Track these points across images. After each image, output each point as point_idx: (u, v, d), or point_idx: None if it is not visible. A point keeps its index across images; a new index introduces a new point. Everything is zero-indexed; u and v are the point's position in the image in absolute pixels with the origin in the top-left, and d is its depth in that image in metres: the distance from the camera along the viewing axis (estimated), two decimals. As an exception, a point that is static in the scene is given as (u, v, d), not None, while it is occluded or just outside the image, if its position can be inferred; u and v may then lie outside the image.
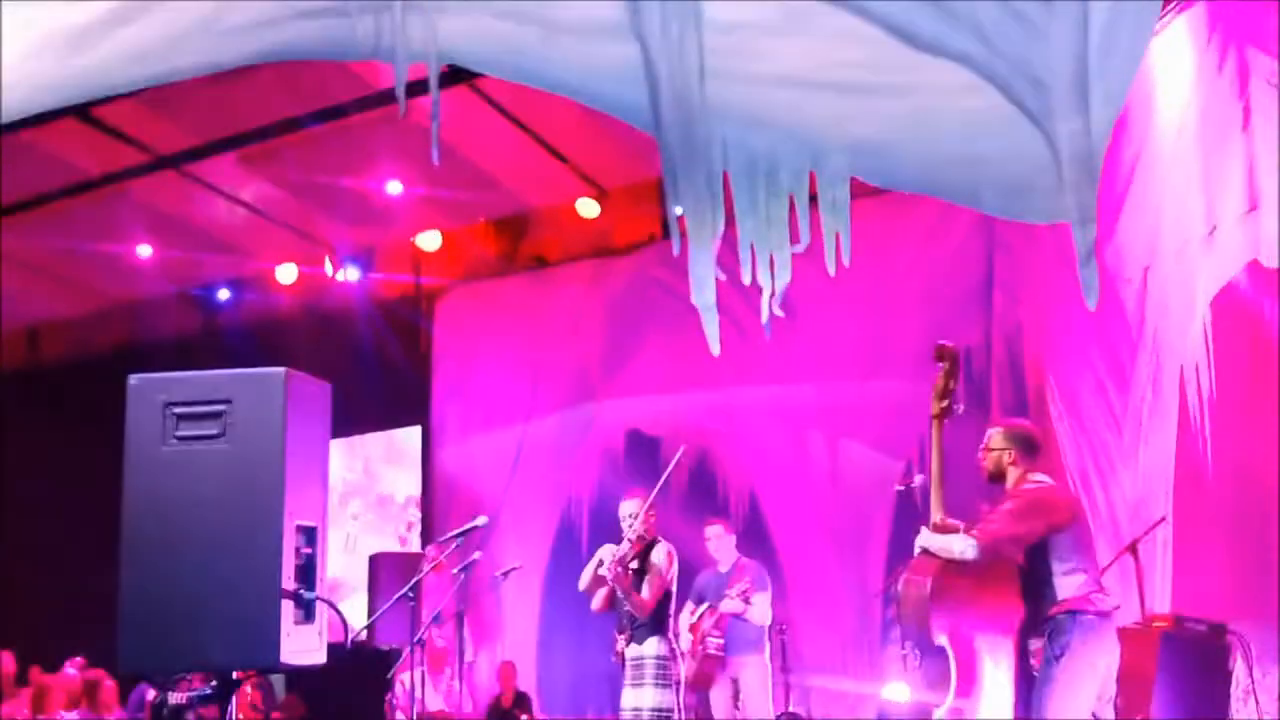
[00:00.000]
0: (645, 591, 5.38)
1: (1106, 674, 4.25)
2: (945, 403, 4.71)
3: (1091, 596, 4.24)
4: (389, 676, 8.38)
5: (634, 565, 5.56)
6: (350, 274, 11.39)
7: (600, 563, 5.44)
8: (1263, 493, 5.70)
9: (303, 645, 2.55)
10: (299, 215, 10.57)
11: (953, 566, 4.47)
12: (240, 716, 6.02)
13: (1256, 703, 4.95)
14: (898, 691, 7.40)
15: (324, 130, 9.03)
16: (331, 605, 2.66)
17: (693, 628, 6.86)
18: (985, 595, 4.54)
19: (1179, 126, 6.85)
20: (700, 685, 6.99)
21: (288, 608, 2.51)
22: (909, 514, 8.58)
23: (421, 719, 5.72)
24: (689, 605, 6.95)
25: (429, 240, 11.25)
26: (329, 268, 11.38)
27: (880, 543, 9.22)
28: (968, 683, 4.37)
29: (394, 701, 7.54)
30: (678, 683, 5.33)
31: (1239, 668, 5.14)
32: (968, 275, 9.43)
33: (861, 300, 9.17)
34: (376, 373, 10.85)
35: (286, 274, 11.51)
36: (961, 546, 4.30)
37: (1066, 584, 4.26)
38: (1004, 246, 9.31)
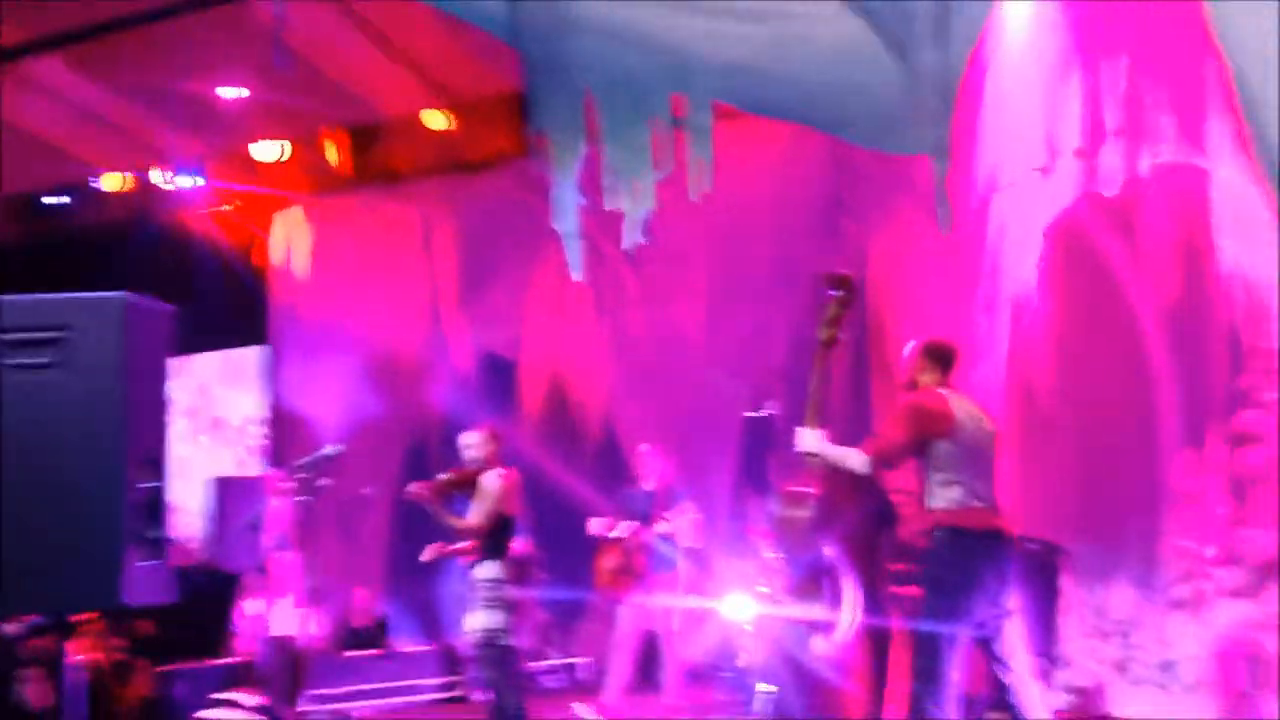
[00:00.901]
0: (470, 516, 5.36)
1: (981, 587, 4.19)
2: (835, 330, 4.66)
3: (965, 510, 4.22)
4: (232, 601, 8.19)
5: (468, 493, 5.53)
6: (185, 183, 10.81)
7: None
8: (1093, 417, 5.98)
9: (149, 583, 2.42)
10: (131, 120, 9.93)
11: (840, 478, 4.54)
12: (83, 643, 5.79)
13: (1080, 614, 5.26)
14: (738, 605, 7.64)
15: (158, 31, 8.47)
16: (179, 541, 2.53)
17: (614, 544, 6.99)
18: (860, 507, 4.67)
19: (1022, 58, 7.00)
20: (615, 596, 7.14)
21: (133, 545, 2.36)
22: (758, 440, 8.77)
23: (269, 644, 5.58)
24: (615, 522, 7.12)
25: (269, 150, 10.74)
26: (162, 176, 10.78)
27: (729, 466, 9.39)
28: (838, 594, 4.49)
29: (239, 628, 7.36)
30: (511, 605, 5.33)
31: (1067, 585, 5.43)
32: (817, 202, 9.55)
33: (713, 225, 9.19)
34: (211, 289, 10.39)
35: (116, 181, 10.86)
36: (858, 462, 4.31)
37: (942, 495, 4.26)
38: (851, 173, 9.45)
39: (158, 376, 2.54)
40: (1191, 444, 5.79)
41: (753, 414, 7.35)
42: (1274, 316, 5.27)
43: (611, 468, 9.69)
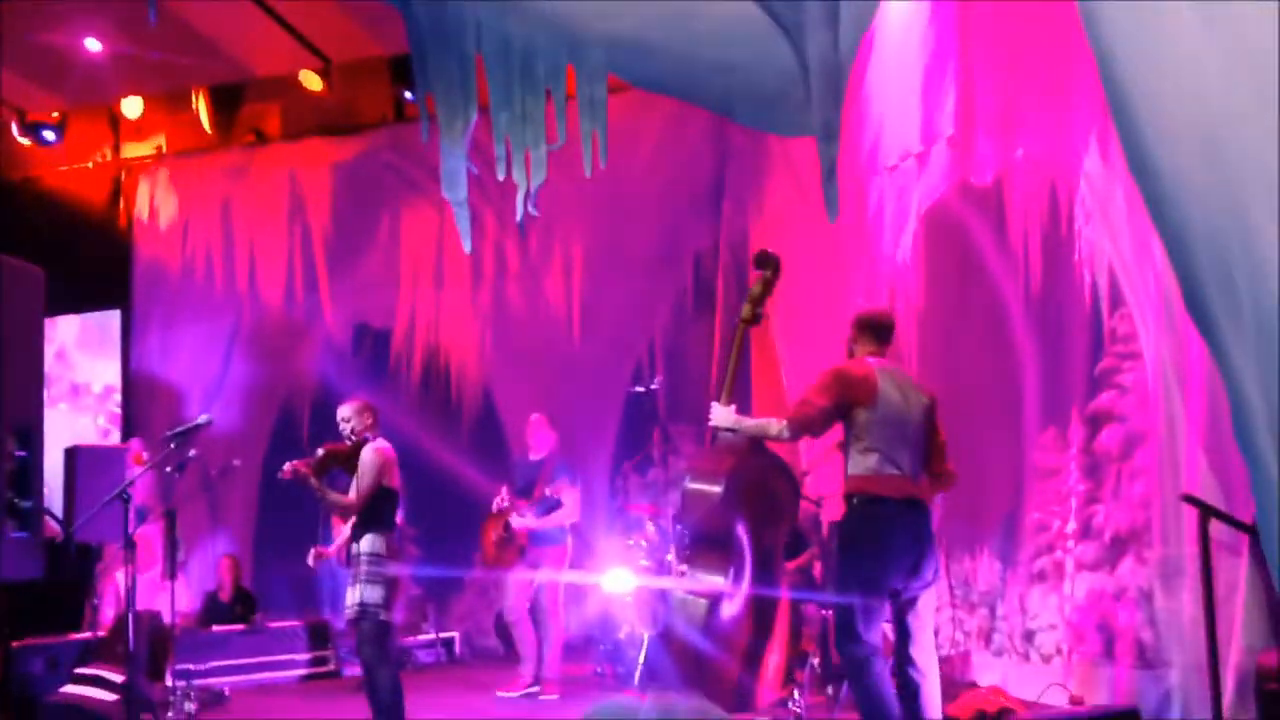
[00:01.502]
0: (351, 491, 5.28)
1: (895, 554, 4.19)
2: (758, 308, 4.64)
3: (880, 477, 4.22)
4: (92, 574, 7.91)
5: (346, 468, 5.43)
6: (42, 139, 10.30)
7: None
8: (960, 396, 6.16)
9: (18, 556, 2.30)
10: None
11: (749, 453, 4.55)
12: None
13: (950, 585, 5.46)
14: (619, 579, 7.70)
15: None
16: (49, 512, 2.41)
17: (499, 512, 6.93)
18: (770, 482, 4.67)
19: (902, 44, 7.16)
20: (494, 566, 7.16)
21: (3, 517, 2.24)
22: (638, 415, 8.83)
23: (133, 618, 5.39)
24: (502, 491, 7.04)
25: (132, 106, 10.30)
26: (16, 129, 10.24)
27: (609, 440, 9.43)
28: (742, 571, 4.52)
29: (97, 602, 7.10)
30: (391, 580, 5.27)
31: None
32: (700, 181, 9.63)
33: (599, 198, 9.18)
34: (69, 250, 9.91)
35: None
36: (777, 429, 4.28)
37: (859, 462, 4.26)
38: (735, 154, 9.55)
39: (30, 341, 2.41)
40: (1053, 423, 6.03)
41: (641, 389, 7.37)
42: (1131, 303, 5.51)
43: (488, 440, 9.65)
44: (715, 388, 9.15)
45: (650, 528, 7.62)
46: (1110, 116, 2.60)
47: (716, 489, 4.50)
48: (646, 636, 6.93)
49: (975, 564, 6.58)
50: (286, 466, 5.16)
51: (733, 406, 4.49)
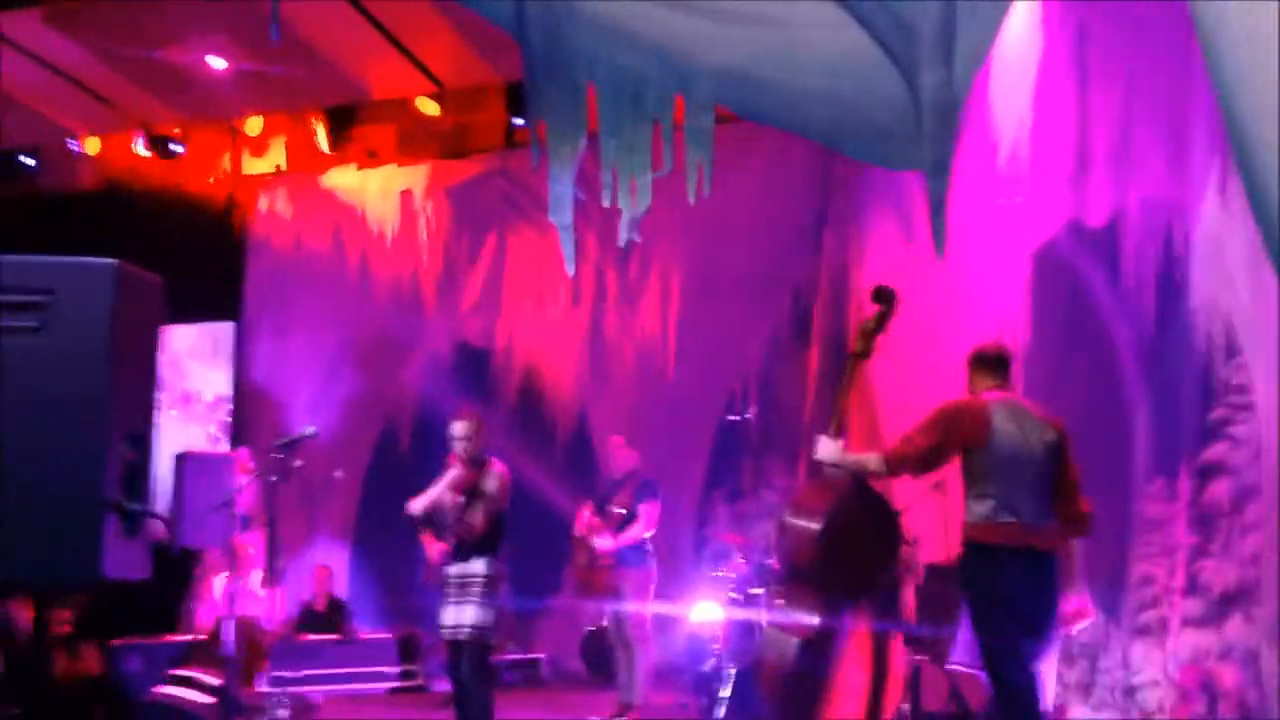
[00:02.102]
0: (478, 514, 5.33)
1: (1012, 605, 4.01)
2: (870, 344, 4.51)
3: (993, 525, 4.04)
4: (192, 579, 8.12)
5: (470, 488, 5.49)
6: (164, 151, 10.69)
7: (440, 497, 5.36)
8: (1069, 444, 6.02)
9: (125, 558, 2.37)
10: (111, 84, 9.80)
11: (854, 491, 4.42)
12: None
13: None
14: (706, 611, 7.65)
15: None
16: (157, 515, 2.48)
17: (582, 537, 6.94)
18: (872, 523, 4.51)
19: (1015, 82, 7.06)
20: (584, 593, 7.16)
21: (112, 518, 2.31)
22: (730, 444, 8.79)
23: (229, 623, 5.52)
24: (584, 514, 7.06)
25: (252, 124, 10.65)
26: (140, 144, 10.65)
27: (699, 469, 9.40)
28: (836, 609, 4.39)
29: (196, 605, 7.29)
30: (502, 604, 5.32)
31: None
32: (802, 211, 9.59)
33: (700, 226, 9.20)
34: (186, 260, 10.25)
35: (92, 146, 10.74)
36: (876, 464, 4.19)
37: (972, 508, 4.10)
38: (838, 185, 9.49)
39: (146, 349, 2.49)
40: (1161, 473, 5.84)
41: (735, 418, 7.31)
42: (1247, 352, 5.33)
43: (581, 462, 9.69)
44: (810, 419, 9.07)
45: (739, 559, 7.56)
46: (1231, 159, 2.51)
47: (815, 525, 4.38)
48: (733, 671, 6.86)
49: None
50: (442, 488, 5.21)
51: (840, 442, 4.37)
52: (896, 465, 4.20)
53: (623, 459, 7.17)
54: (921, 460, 4.18)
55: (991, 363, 4.35)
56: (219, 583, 7.70)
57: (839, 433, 4.42)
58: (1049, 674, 4.21)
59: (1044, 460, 4.12)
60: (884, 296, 4.56)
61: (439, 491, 5.30)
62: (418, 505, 5.32)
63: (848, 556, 4.42)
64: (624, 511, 6.78)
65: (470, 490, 5.37)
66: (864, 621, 4.46)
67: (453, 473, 5.39)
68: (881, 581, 4.81)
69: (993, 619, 4.07)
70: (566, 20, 3.77)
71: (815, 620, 4.34)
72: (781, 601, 4.48)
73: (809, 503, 4.52)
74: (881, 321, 4.52)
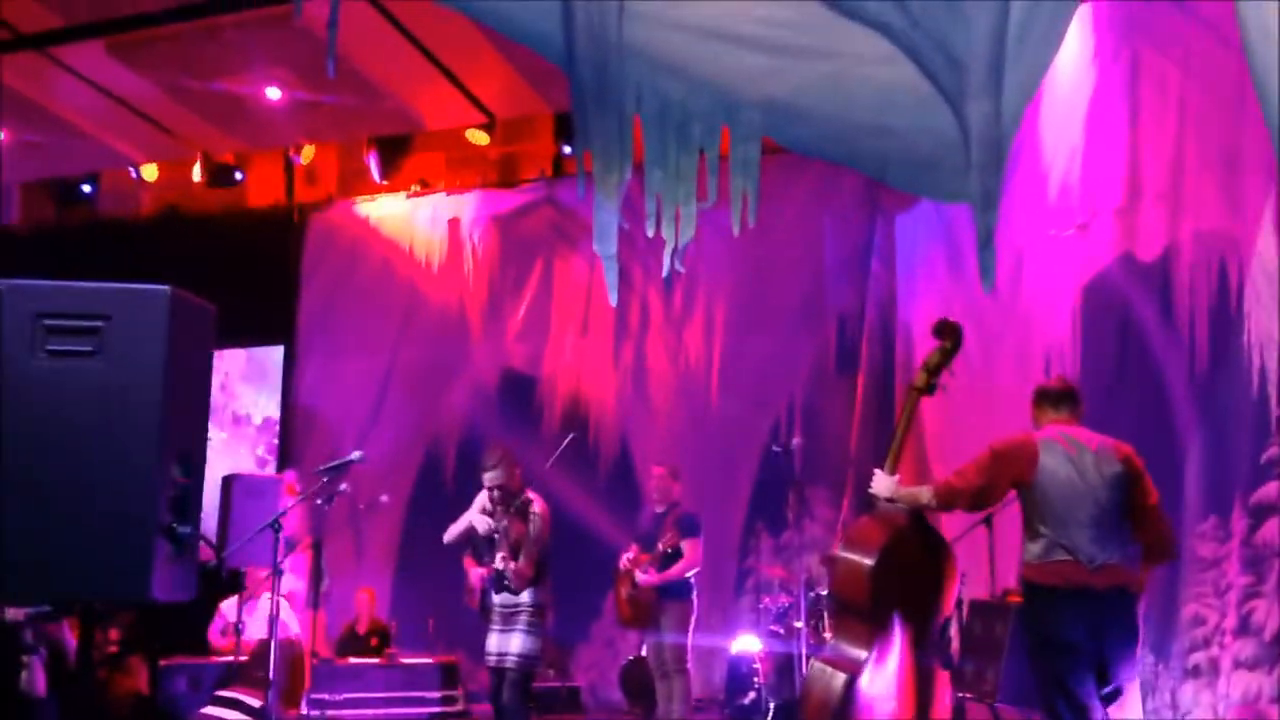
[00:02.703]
0: (523, 558, 5.35)
1: (1068, 648, 3.94)
2: (933, 379, 4.49)
3: (1046, 564, 3.99)
4: (234, 598, 8.18)
5: (503, 521, 5.51)
6: (221, 179, 10.89)
7: (472, 526, 5.40)
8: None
9: (174, 580, 2.41)
10: (169, 113, 10.01)
11: (910, 527, 4.39)
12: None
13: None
14: (748, 643, 7.60)
15: (201, 26, 8.56)
16: (204, 538, 2.52)
17: (626, 570, 6.91)
18: (926, 560, 4.44)
19: (1066, 114, 7.01)
20: (625, 623, 7.14)
21: (162, 540, 2.35)
22: (774, 475, 8.74)
23: (274, 645, 5.57)
24: (632, 548, 7.01)
25: (306, 151, 10.83)
26: (197, 171, 10.86)
27: (742, 499, 9.36)
28: (886, 646, 4.33)
29: (230, 625, 7.36)
30: (547, 633, 5.35)
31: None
32: (849, 241, 9.58)
33: (744, 256, 9.21)
34: (239, 285, 10.42)
35: (151, 173, 10.97)
36: (927, 497, 4.18)
37: (1028, 547, 4.08)
38: (885, 216, 9.47)
39: (198, 373, 2.54)
40: (1214, 512, 5.73)
41: (780, 449, 7.26)
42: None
43: (624, 490, 9.68)
44: (856, 451, 9.02)
45: (781, 591, 7.51)
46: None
47: (869, 561, 4.31)
48: (773, 704, 6.81)
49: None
50: (497, 559, 5.30)
51: (897, 477, 4.35)
52: (947, 499, 4.19)
53: (664, 490, 7.14)
54: (973, 497, 4.18)
55: (1053, 398, 4.33)
56: (265, 605, 7.76)
57: (894, 468, 4.38)
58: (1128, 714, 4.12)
59: (1106, 494, 4.03)
60: (948, 331, 4.52)
61: (469, 521, 5.34)
62: (450, 535, 5.38)
63: (900, 592, 4.36)
64: (669, 550, 6.75)
65: (517, 539, 5.39)
66: (911, 657, 4.40)
67: (480, 512, 5.42)
68: (933, 618, 4.73)
69: (1045, 661, 4.01)
70: (614, 52, 3.81)
71: (864, 655, 4.28)
72: (830, 635, 4.43)
73: (864, 537, 4.44)
74: (946, 357, 4.48)
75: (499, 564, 5.32)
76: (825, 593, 7.04)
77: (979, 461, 4.14)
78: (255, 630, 7.31)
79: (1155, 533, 4.13)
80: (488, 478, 5.51)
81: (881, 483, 4.34)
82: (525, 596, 5.31)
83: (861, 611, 4.34)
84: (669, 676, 6.92)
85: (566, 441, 6.73)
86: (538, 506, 5.45)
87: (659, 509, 7.12)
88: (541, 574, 5.39)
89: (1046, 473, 4.04)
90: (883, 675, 4.34)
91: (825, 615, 6.90)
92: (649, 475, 7.39)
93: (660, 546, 6.73)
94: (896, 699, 4.38)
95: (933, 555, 4.52)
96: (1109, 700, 4.02)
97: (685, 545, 6.79)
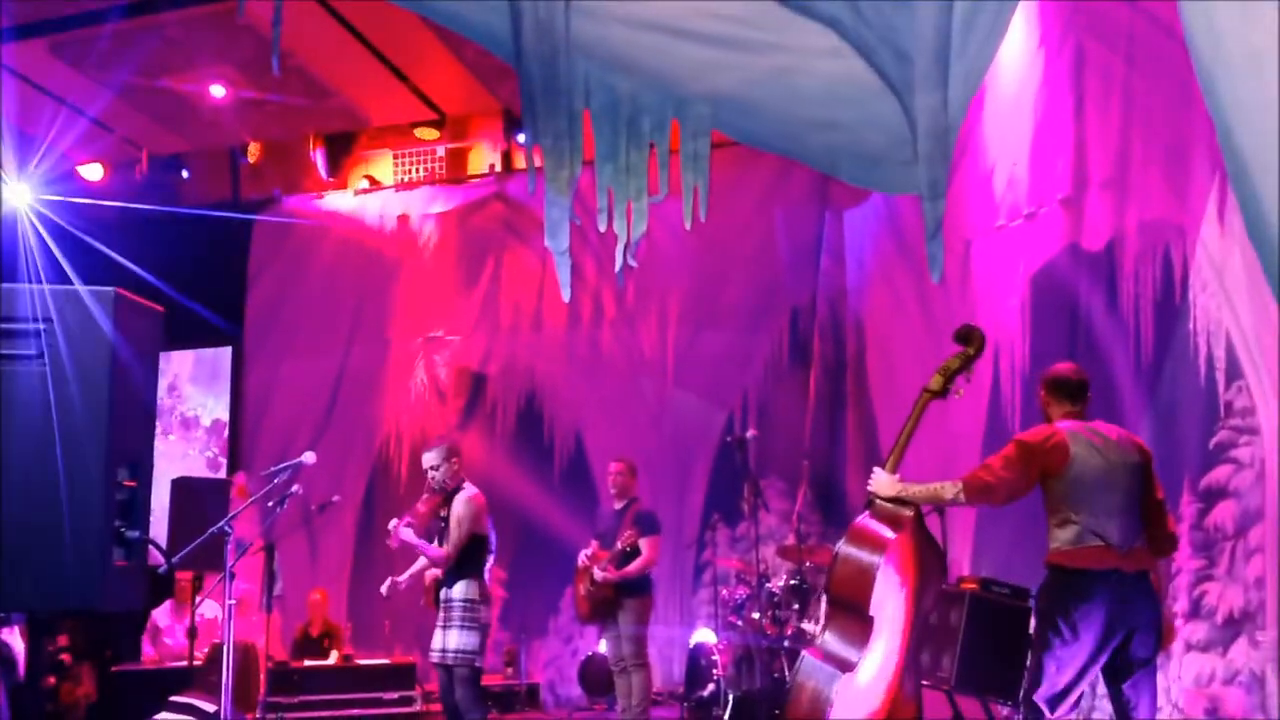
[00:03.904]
0: (447, 543, 5.32)
1: (1093, 629, 4.03)
2: (948, 382, 4.41)
3: (1078, 550, 4.06)
4: (165, 604, 8.09)
5: (442, 514, 5.48)
6: (165, 178, 10.73)
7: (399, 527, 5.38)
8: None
9: (124, 584, 2.35)
10: (111, 111, 9.85)
11: (912, 527, 4.33)
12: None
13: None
14: (705, 635, 7.61)
15: (144, 24, 8.42)
16: (153, 542, 2.46)
17: (584, 567, 6.87)
18: (925, 559, 4.40)
19: (1012, 106, 7.07)
20: (584, 619, 7.12)
21: (111, 547, 2.30)
22: (729, 468, 8.76)
23: (227, 649, 5.49)
24: (592, 545, 6.98)
25: (251, 149, 10.70)
26: (140, 170, 10.69)
27: (699, 491, 9.38)
28: (879, 651, 4.30)
29: (196, 631, 7.25)
30: (485, 626, 5.29)
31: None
32: (800, 235, 9.62)
33: (697, 251, 9.21)
34: (186, 286, 10.27)
35: (93, 172, 10.78)
36: (953, 493, 4.14)
37: (1058, 536, 4.12)
38: (834, 210, 9.52)
39: (145, 376, 2.49)
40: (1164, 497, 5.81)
41: (734, 439, 7.27)
42: (1249, 375, 5.31)
43: (579, 484, 9.67)
44: (810, 443, 9.06)
45: (738, 583, 7.52)
46: (1229, 182, 2.51)
47: (875, 559, 4.29)
48: (732, 697, 6.82)
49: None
50: (398, 527, 5.23)
51: (898, 476, 4.34)
52: (976, 495, 4.18)
53: (623, 485, 7.12)
54: (1008, 490, 4.18)
55: (1066, 387, 4.36)
56: (216, 608, 7.67)
57: (896, 467, 4.37)
58: (1150, 695, 4.20)
59: (1129, 484, 4.16)
60: (970, 338, 4.47)
61: (404, 523, 5.31)
62: (393, 539, 5.34)
63: (899, 591, 4.33)
64: (628, 548, 6.73)
65: (445, 516, 5.37)
66: (904, 656, 4.37)
67: (420, 508, 5.41)
68: (925, 617, 4.72)
69: (1059, 649, 4.08)
70: (563, 47, 3.78)
71: (860, 654, 4.24)
72: (827, 631, 4.38)
73: (868, 536, 4.37)
74: (967, 362, 4.43)
75: (391, 531, 5.27)
76: (789, 583, 7.08)
77: (1007, 456, 4.17)
78: (179, 636, 7.26)
79: (1161, 525, 4.25)
80: (427, 470, 5.51)
81: (882, 481, 4.32)
82: (457, 591, 5.28)
83: (862, 610, 4.30)
84: (627, 672, 6.92)
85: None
86: (468, 493, 5.41)
87: (617, 505, 7.10)
88: (475, 565, 5.34)
89: (1079, 462, 4.12)
90: (875, 674, 4.31)
91: (784, 606, 6.93)
92: (606, 471, 7.37)
93: (619, 544, 6.71)
94: (887, 697, 4.36)
95: (929, 555, 4.49)
96: (1125, 676, 4.12)
97: (644, 543, 6.76)
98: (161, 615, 8.24)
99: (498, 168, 10.56)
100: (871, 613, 4.25)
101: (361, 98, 9.72)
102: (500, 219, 10.35)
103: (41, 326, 2.31)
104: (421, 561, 5.59)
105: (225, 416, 11.07)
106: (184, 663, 7.08)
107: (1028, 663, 4.30)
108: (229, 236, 11.15)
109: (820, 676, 4.27)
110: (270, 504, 5.39)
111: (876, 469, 4.37)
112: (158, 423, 11.17)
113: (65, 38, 8.69)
